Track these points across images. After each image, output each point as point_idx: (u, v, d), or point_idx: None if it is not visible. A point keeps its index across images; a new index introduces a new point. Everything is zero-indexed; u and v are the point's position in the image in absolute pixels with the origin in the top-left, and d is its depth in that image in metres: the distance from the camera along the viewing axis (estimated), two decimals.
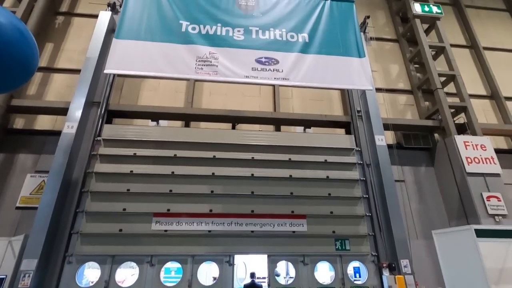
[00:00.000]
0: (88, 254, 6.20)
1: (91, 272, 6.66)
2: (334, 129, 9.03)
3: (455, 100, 9.57)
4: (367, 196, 7.49)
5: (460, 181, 8.09)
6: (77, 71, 8.20)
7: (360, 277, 7.01)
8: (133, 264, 6.35)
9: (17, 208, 7.13)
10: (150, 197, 6.81)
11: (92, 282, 6.08)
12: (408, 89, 10.36)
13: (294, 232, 6.89)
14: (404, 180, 8.76)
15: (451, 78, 9.78)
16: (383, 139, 7.92)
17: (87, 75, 7.51)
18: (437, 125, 9.10)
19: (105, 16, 8.37)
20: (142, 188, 6.88)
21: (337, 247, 6.89)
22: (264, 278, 6.83)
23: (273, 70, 6.09)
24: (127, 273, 6.97)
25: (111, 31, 8.16)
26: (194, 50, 6.07)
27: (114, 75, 8.28)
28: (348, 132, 8.71)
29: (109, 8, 8.58)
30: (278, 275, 6.75)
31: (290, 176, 7.46)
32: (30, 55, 3.93)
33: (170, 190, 6.92)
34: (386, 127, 8.38)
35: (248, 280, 6.58)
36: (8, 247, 6.44)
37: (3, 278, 5.76)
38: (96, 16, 8.47)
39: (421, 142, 9.27)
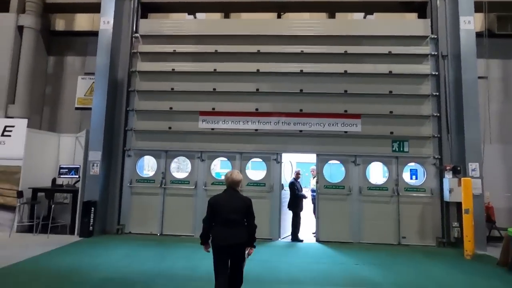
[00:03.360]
0: (143, 148, 6.58)
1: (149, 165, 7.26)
2: (403, 14, 7.33)
3: None
4: (437, 93, 6.37)
5: None
6: None
7: (416, 179, 6.59)
8: (186, 159, 6.65)
9: (76, 108, 7.59)
10: (195, 96, 6.61)
11: (151, 171, 6.63)
12: None
13: (346, 132, 6.38)
14: (487, 76, 7.20)
15: None
16: (471, 21, 6.21)
17: None
18: None
19: None
20: (185, 86, 6.64)
21: (394, 149, 6.32)
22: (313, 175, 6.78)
23: None
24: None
25: None
26: None
27: None
28: (421, 15, 6.98)
29: None
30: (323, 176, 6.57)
31: (345, 71, 6.51)
32: None
33: (214, 89, 6.59)
34: (478, 7, 6.47)
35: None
36: (76, 142, 7.13)
37: (78, 167, 6.50)
38: None
39: None
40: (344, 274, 4.25)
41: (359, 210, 6.17)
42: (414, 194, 6.16)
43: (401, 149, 6.32)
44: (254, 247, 2.93)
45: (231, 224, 2.80)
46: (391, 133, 6.34)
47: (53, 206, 5.94)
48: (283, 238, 6.29)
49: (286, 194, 6.46)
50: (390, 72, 6.47)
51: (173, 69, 6.70)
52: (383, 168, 6.50)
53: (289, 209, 6.29)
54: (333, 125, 6.41)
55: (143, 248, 5.32)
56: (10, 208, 6.17)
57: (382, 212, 6.15)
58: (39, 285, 3.62)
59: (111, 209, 6.40)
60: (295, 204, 6.24)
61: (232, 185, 2.94)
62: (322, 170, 6.40)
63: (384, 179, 6.39)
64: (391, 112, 6.38)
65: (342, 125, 6.40)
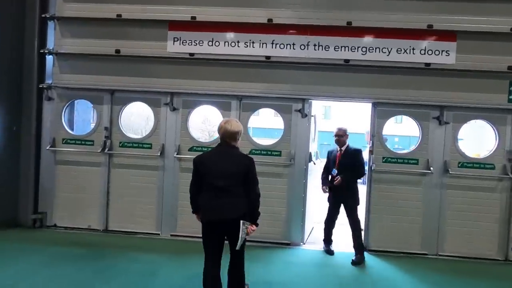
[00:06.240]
0: (74, 86, 3.85)
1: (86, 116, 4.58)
2: None
3: None
4: None
5: None
6: None
7: None
8: (144, 106, 3.95)
9: None
10: None
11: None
12: None
13: (428, 65, 3.59)
14: None
15: None
16: None
17: None
18: None
19: None
20: None
21: None
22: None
23: None
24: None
25: None
26: None
27: None
28: None
29: None
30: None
31: None
32: None
33: None
34: None
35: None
36: None
37: None
38: None
39: None
40: None
41: (441, 200, 3.61)
42: None
43: None
44: (257, 224, 2.09)
45: (221, 192, 2.04)
46: (510, 68, 3.55)
47: None
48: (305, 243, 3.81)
49: (315, 170, 3.86)
50: None
51: None
52: (490, 133, 3.80)
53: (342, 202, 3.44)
54: (405, 51, 3.61)
55: (57, 267, 2.83)
56: None
57: (481, 204, 3.59)
58: None
59: (24, 188, 3.86)
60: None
61: (225, 138, 2.08)
62: (382, 131, 3.72)
63: (490, 150, 3.73)
64: None
65: (422, 52, 3.60)
